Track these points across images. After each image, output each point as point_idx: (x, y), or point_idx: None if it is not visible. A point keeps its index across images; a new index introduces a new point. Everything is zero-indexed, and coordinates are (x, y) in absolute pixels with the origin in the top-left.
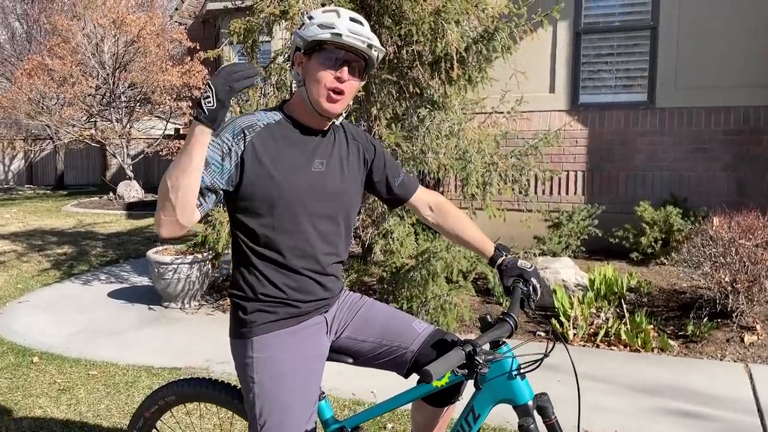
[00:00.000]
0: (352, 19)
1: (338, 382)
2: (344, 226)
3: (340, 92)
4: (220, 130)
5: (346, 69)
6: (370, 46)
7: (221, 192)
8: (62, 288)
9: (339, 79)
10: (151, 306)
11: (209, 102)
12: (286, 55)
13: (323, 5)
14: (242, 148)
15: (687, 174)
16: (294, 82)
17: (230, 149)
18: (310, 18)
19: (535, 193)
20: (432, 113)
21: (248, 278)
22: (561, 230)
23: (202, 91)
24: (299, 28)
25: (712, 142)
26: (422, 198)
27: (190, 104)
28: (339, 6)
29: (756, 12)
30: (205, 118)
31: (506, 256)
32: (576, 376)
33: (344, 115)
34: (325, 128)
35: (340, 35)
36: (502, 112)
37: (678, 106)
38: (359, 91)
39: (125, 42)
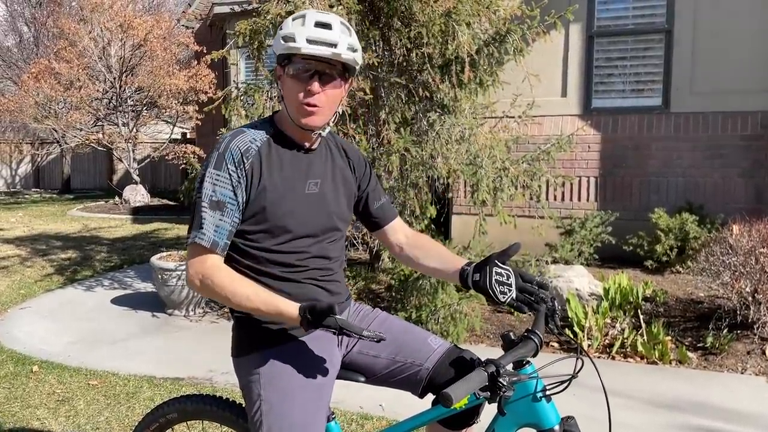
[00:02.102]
0: (317, 24)
1: (345, 395)
2: (340, 235)
3: (313, 105)
4: (220, 158)
5: (316, 81)
6: (335, 52)
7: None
8: (65, 294)
9: (309, 92)
10: (155, 313)
11: (331, 328)
12: None
13: (331, 6)
14: (244, 176)
15: (703, 180)
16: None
17: (238, 180)
18: (280, 28)
19: (547, 199)
20: (442, 117)
21: None
22: (573, 237)
23: (323, 313)
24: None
25: (729, 148)
26: (397, 228)
27: (197, 108)
28: (345, 7)
29: None
30: (312, 328)
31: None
32: (607, 401)
33: (330, 125)
34: (313, 141)
35: (299, 48)
36: (513, 117)
37: (693, 110)
38: (366, 95)
39: (132, 46)
